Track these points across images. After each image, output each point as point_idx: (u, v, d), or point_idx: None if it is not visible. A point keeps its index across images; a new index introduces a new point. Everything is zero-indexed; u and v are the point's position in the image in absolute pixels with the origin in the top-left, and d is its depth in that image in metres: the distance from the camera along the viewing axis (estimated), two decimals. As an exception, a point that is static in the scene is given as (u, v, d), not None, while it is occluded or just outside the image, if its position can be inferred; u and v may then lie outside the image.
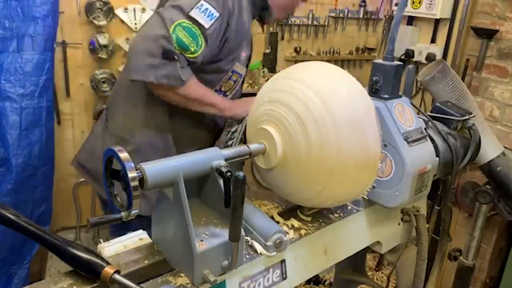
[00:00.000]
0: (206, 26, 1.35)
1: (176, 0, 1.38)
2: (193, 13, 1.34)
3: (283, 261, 0.98)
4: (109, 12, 2.20)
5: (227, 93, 1.59)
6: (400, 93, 1.16)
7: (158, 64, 1.32)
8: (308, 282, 2.78)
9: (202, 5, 1.34)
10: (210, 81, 1.49)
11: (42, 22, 1.81)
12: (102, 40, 2.22)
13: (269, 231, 0.92)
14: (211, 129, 1.67)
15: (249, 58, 1.64)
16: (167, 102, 1.46)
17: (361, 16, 3.15)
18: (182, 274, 0.85)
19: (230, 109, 1.51)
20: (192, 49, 1.35)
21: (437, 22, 2.73)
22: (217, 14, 1.36)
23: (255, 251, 0.93)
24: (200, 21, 1.34)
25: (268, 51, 2.90)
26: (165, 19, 1.34)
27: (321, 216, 1.11)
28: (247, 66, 1.64)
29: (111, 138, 1.57)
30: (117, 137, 1.55)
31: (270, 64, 2.90)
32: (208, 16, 1.35)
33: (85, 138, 1.75)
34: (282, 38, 2.97)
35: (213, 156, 0.86)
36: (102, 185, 1.55)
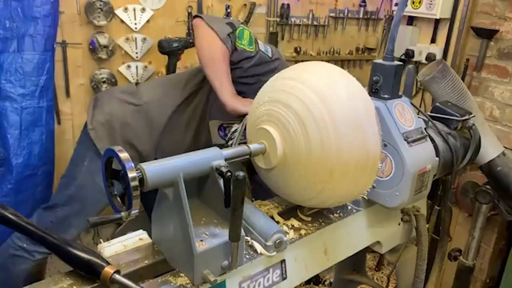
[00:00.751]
0: (262, 49, 1.67)
1: None
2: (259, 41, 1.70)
3: (283, 261, 0.98)
4: (109, 12, 2.19)
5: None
6: (400, 93, 1.16)
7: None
8: (308, 282, 2.78)
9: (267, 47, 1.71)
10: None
11: (42, 22, 1.81)
12: (102, 40, 2.22)
13: (269, 231, 0.92)
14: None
15: None
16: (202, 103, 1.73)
17: (361, 16, 3.15)
18: (182, 274, 0.85)
19: (234, 103, 1.57)
20: (244, 42, 1.61)
21: (437, 22, 2.72)
22: (270, 54, 1.70)
23: (255, 251, 0.93)
24: (259, 42, 1.69)
25: (268, 51, 2.89)
26: None
27: (321, 216, 1.11)
28: None
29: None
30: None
31: (270, 64, 2.90)
32: (265, 50, 1.70)
33: None
34: (282, 38, 2.96)
35: (213, 156, 0.86)
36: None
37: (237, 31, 1.60)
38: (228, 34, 1.57)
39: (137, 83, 1.87)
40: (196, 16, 1.63)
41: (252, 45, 1.63)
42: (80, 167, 1.71)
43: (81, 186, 1.69)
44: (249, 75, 1.64)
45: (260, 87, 1.02)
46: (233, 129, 1.34)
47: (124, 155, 0.74)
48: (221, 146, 1.69)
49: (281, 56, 1.76)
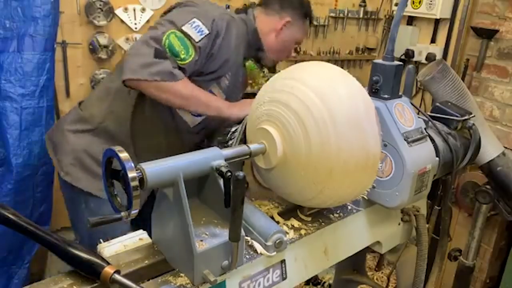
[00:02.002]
0: (197, 39, 1.46)
1: (170, 16, 1.53)
2: (185, 28, 1.46)
3: (283, 261, 0.98)
4: (109, 12, 2.20)
5: (202, 114, 1.63)
6: (400, 93, 1.16)
7: (150, 63, 1.40)
8: (307, 283, 2.78)
9: (194, 22, 1.47)
10: None
11: (42, 22, 1.81)
12: (102, 40, 2.22)
13: (269, 231, 0.92)
14: (179, 144, 1.68)
15: (233, 90, 1.67)
16: (158, 102, 1.50)
17: (361, 16, 3.15)
18: (182, 274, 0.85)
19: (228, 108, 1.53)
20: (182, 56, 1.44)
21: (437, 22, 2.72)
22: (206, 31, 1.48)
23: (255, 251, 0.93)
24: (192, 35, 1.46)
25: (268, 51, 2.89)
26: (158, 28, 1.47)
27: (321, 216, 1.11)
28: (228, 98, 1.64)
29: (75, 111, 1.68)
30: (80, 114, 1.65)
31: (270, 64, 2.90)
32: (198, 32, 1.47)
33: None
34: (282, 38, 2.96)
35: (213, 156, 0.86)
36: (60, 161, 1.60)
37: (167, 50, 1.42)
38: (171, 72, 1.41)
39: (80, 103, 1.70)
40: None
41: (188, 48, 1.45)
42: (81, 210, 1.62)
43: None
44: (207, 72, 1.56)
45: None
46: (233, 129, 1.33)
47: (124, 155, 0.74)
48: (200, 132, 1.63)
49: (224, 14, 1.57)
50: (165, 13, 1.65)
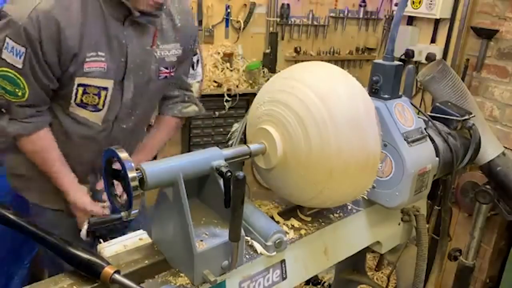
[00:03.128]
0: (20, 66, 1.24)
1: None
2: (4, 55, 1.24)
3: (283, 261, 0.98)
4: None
5: (98, 106, 1.39)
6: (400, 93, 1.16)
7: None
8: (307, 282, 2.78)
9: (8, 43, 1.22)
10: (61, 96, 1.37)
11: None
12: (102, 40, 2.22)
13: (269, 231, 0.92)
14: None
15: (125, 68, 1.37)
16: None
17: (361, 16, 3.15)
18: (182, 274, 0.85)
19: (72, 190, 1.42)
20: (19, 94, 1.28)
21: (437, 22, 2.73)
22: (23, 50, 1.23)
23: (255, 251, 0.93)
24: (12, 62, 1.24)
25: (268, 51, 2.90)
26: None
27: (321, 216, 1.11)
28: (125, 78, 1.39)
29: None
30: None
31: (270, 64, 2.91)
32: (16, 55, 1.24)
33: None
34: (282, 38, 2.97)
35: (213, 156, 0.86)
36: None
37: (5, 104, 1.28)
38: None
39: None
40: None
41: (19, 82, 1.26)
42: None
43: None
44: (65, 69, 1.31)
45: None
46: (233, 129, 1.33)
47: (124, 155, 0.74)
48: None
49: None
50: None
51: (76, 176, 1.46)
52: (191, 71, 1.76)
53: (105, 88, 1.37)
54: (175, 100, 1.65)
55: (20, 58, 1.23)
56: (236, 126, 1.33)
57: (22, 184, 1.54)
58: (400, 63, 1.13)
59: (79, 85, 1.33)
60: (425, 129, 1.16)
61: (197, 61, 1.77)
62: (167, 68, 1.49)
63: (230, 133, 1.33)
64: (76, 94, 1.34)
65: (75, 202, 1.42)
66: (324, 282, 2.80)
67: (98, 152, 1.41)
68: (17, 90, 1.27)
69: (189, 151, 1.71)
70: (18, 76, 1.25)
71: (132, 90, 1.41)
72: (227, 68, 2.77)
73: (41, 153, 1.38)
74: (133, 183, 0.73)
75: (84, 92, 1.34)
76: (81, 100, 1.36)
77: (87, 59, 1.29)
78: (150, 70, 1.44)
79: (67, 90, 1.33)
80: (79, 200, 1.42)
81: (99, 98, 1.38)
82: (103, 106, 1.40)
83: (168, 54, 1.47)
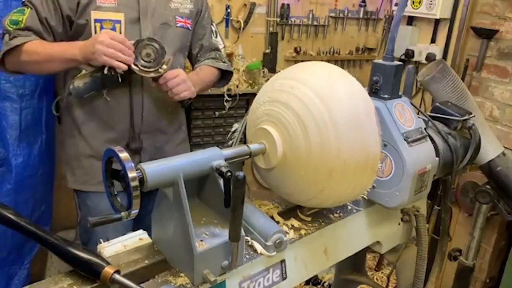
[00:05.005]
0: None
1: None
2: None
3: (283, 261, 0.98)
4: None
5: None
6: (400, 93, 1.16)
7: None
8: (307, 282, 2.78)
9: None
10: (84, 35, 1.50)
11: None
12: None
13: (269, 231, 0.92)
14: None
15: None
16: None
17: (361, 16, 3.15)
18: (182, 274, 0.85)
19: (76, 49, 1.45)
20: (20, 19, 1.44)
21: (437, 22, 2.72)
22: None
23: (255, 251, 0.93)
24: None
25: (268, 51, 2.90)
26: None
27: (321, 216, 1.11)
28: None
29: None
30: None
31: (270, 64, 2.90)
32: None
33: None
34: (282, 38, 2.97)
35: (213, 156, 0.86)
36: None
37: (7, 26, 1.46)
38: (6, 42, 1.45)
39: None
40: None
41: (22, 9, 1.47)
42: None
43: None
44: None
45: None
46: (233, 129, 1.34)
47: (124, 155, 0.74)
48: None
49: None
50: None
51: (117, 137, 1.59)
52: (213, 38, 1.85)
53: (118, 21, 1.51)
54: (206, 57, 1.79)
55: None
56: (236, 126, 1.33)
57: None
58: (400, 63, 1.13)
59: (95, 20, 1.47)
60: (425, 129, 1.16)
61: (215, 31, 1.86)
62: (182, 18, 1.64)
63: (230, 133, 1.33)
64: (95, 30, 1.48)
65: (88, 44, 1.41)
66: (324, 282, 2.80)
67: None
68: (19, 17, 1.44)
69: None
70: (22, 6, 1.45)
71: (150, 29, 1.54)
72: (227, 68, 2.77)
73: (36, 54, 1.45)
74: (133, 183, 0.73)
75: (101, 27, 1.48)
76: None
77: None
78: (164, 14, 1.59)
79: (88, 28, 1.47)
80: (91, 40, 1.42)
81: (115, 31, 1.50)
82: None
83: (181, 6, 1.65)
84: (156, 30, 1.56)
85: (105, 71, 1.40)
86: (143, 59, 1.42)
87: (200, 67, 1.76)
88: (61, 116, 1.72)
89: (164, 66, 1.45)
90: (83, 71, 1.48)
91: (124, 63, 1.38)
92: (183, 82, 1.52)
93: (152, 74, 1.45)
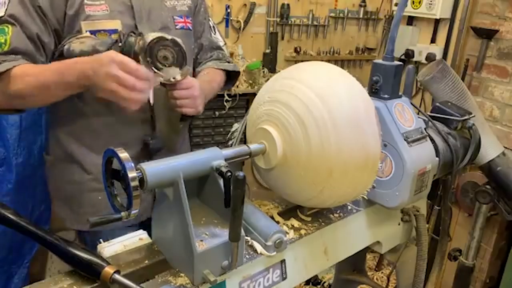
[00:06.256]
0: (1, 14, 1.18)
1: None
2: None
3: (283, 261, 0.98)
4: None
5: None
6: (400, 93, 1.16)
7: None
8: (307, 282, 2.78)
9: None
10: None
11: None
12: (102, 40, 2.22)
13: (269, 231, 0.92)
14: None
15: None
16: None
17: (361, 16, 3.15)
18: (182, 274, 0.85)
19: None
20: (2, 40, 1.18)
21: (437, 22, 2.73)
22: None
23: (255, 251, 0.93)
24: None
25: (268, 51, 2.90)
26: None
27: (321, 216, 1.11)
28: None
29: None
30: None
31: (270, 64, 2.91)
32: (1, 5, 1.19)
33: None
34: (282, 38, 2.97)
35: (213, 156, 0.86)
36: None
37: None
38: None
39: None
40: None
41: (3, 29, 1.17)
42: None
43: None
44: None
45: None
46: (233, 129, 1.34)
47: (124, 155, 0.74)
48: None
49: None
50: None
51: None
52: (212, 35, 1.68)
53: (115, 31, 1.29)
54: (209, 59, 1.63)
55: (3, 7, 1.18)
56: (236, 126, 1.33)
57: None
58: (400, 63, 1.12)
59: (90, 32, 1.26)
60: (425, 129, 1.16)
61: (213, 27, 1.73)
62: (181, 17, 1.46)
63: (230, 133, 1.33)
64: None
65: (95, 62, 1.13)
66: (324, 282, 2.81)
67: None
68: (1, 39, 1.17)
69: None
70: (1, 25, 1.18)
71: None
72: (227, 68, 2.77)
73: (31, 77, 1.18)
74: (133, 183, 0.73)
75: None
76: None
77: (85, 1, 1.25)
78: (161, 16, 1.40)
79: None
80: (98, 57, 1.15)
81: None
82: None
83: (177, 3, 1.46)
84: None
85: None
86: (158, 60, 1.20)
87: (206, 71, 1.57)
88: None
89: (178, 77, 1.25)
90: None
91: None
92: (192, 97, 1.32)
93: (161, 79, 1.22)
